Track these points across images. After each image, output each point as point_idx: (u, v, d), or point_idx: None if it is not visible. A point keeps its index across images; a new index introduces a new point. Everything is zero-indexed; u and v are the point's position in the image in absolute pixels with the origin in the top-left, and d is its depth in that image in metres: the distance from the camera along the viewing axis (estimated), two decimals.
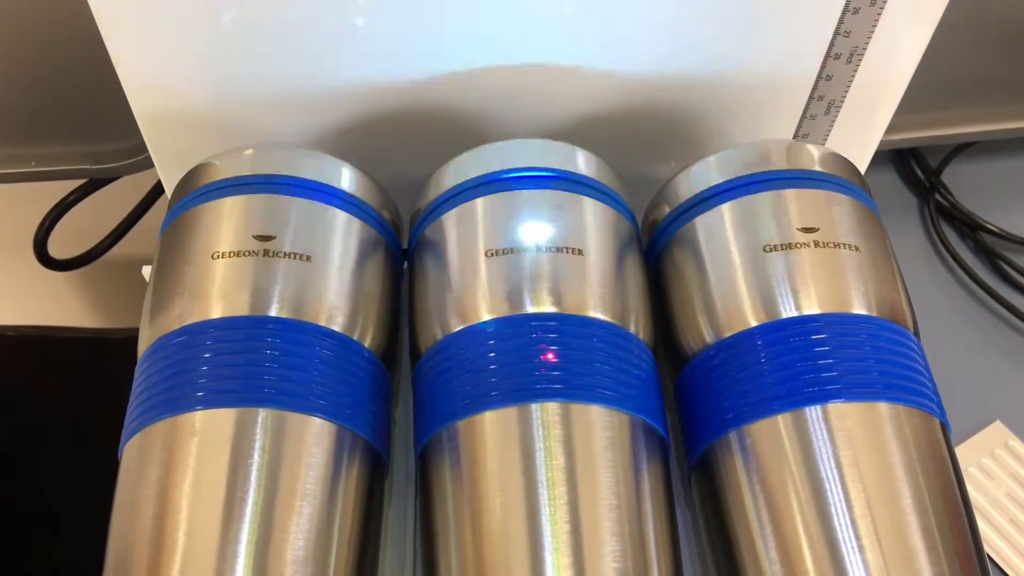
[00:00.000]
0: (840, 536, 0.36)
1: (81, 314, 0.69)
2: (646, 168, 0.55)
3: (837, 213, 0.43)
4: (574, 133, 0.52)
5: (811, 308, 0.40)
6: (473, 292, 0.41)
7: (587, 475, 0.37)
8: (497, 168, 0.44)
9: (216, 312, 0.40)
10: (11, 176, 0.60)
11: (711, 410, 0.41)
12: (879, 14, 0.46)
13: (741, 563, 0.38)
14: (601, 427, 0.38)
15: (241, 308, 0.40)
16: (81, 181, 0.62)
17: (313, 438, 0.38)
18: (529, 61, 0.49)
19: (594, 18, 0.47)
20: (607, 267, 0.42)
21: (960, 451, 0.58)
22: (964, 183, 0.71)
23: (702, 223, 0.44)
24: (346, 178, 0.45)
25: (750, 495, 0.38)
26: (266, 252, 0.41)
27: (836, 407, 0.38)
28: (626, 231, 0.45)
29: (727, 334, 0.41)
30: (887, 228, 0.45)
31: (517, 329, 0.40)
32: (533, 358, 0.39)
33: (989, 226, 0.69)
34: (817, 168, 0.45)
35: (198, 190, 0.44)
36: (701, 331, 0.42)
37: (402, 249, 0.48)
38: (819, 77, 0.49)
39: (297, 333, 0.40)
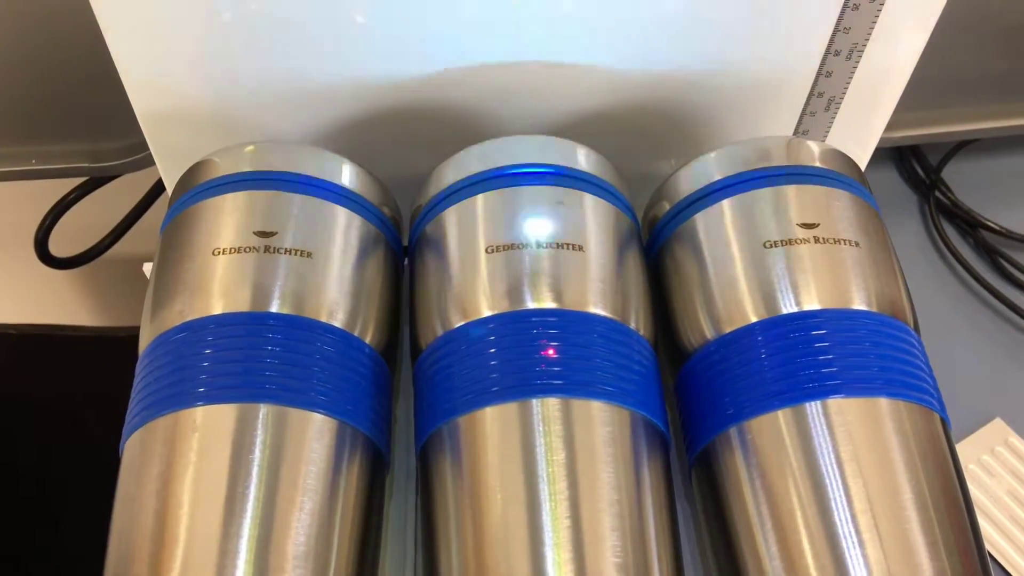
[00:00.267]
0: (840, 531, 0.36)
1: (82, 312, 0.69)
2: (647, 164, 0.55)
3: (837, 209, 0.43)
4: (575, 129, 0.52)
5: (811, 304, 0.40)
6: (474, 288, 0.41)
7: (587, 471, 0.37)
8: (498, 164, 0.44)
9: (217, 308, 0.40)
10: (12, 174, 0.60)
11: (711, 406, 0.41)
12: (879, 11, 0.46)
13: (741, 558, 0.38)
14: (601, 423, 0.38)
15: (242, 304, 0.40)
16: (82, 179, 0.62)
17: (314, 434, 0.38)
18: (530, 58, 0.49)
19: (594, 14, 0.47)
20: (607, 263, 0.42)
21: (960, 448, 0.59)
22: (964, 180, 0.71)
23: (702, 219, 0.44)
24: (347, 174, 0.45)
25: (750, 490, 0.38)
26: (267, 248, 0.41)
27: (836, 402, 0.38)
28: (626, 227, 0.45)
29: (727, 330, 0.41)
30: (887, 225, 0.45)
31: (518, 325, 0.40)
32: (533, 354, 0.39)
33: (989, 223, 0.69)
34: (817, 164, 0.45)
35: (199, 187, 0.44)
36: (701, 327, 0.42)
37: (403, 245, 0.48)
38: (819, 74, 0.49)
39: (298, 329, 0.40)
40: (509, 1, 0.46)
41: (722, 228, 0.43)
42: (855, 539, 0.36)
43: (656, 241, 0.47)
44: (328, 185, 0.44)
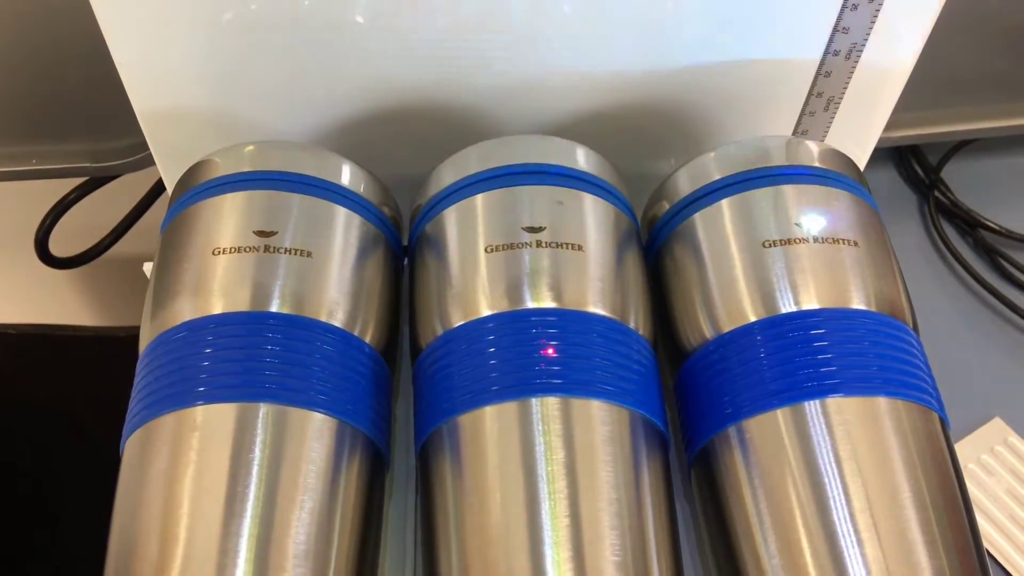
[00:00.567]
0: (839, 530, 0.36)
1: (82, 312, 0.69)
2: (646, 164, 0.55)
3: (836, 208, 0.43)
4: (574, 129, 0.52)
5: (810, 303, 0.40)
6: (473, 288, 0.41)
7: (587, 470, 0.37)
8: (497, 164, 0.44)
9: (217, 308, 0.40)
10: (12, 174, 0.60)
11: (710, 405, 0.41)
12: (878, 10, 0.46)
13: (740, 557, 0.38)
14: (601, 422, 0.38)
15: (242, 304, 0.40)
16: (82, 179, 0.62)
17: (314, 433, 0.38)
18: (529, 58, 0.49)
19: (594, 15, 0.47)
20: (607, 263, 0.42)
21: (960, 447, 0.59)
22: (964, 180, 0.72)
23: (701, 219, 0.44)
24: (347, 174, 0.45)
25: (749, 489, 0.38)
26: (267, 248, 0.41)
27: (835, 401, 0.38)
28: (626, 227, 0.45)
29: (726, 329, 0.41)
30: (887, 225, 0.45)
31: (517, 325, 0.40)
32: (533, 353, 0.39)
33: (989, 223, 0.69)
34: (816, 164, 0.45)
35: (198, 187, 0.44)
36: (700, 326, 0.42)
37: (402, 245, 0.48)
38: (818, 74, 0.49)
39: (298, 329, 0.40)
40: (508, 1, 0.46)
41: (721, 228, 0.43)
42: (854, 538, 0.36)
43: (655, 241, 0.47)
44: (328, 185, 0.44)
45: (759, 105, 0.53)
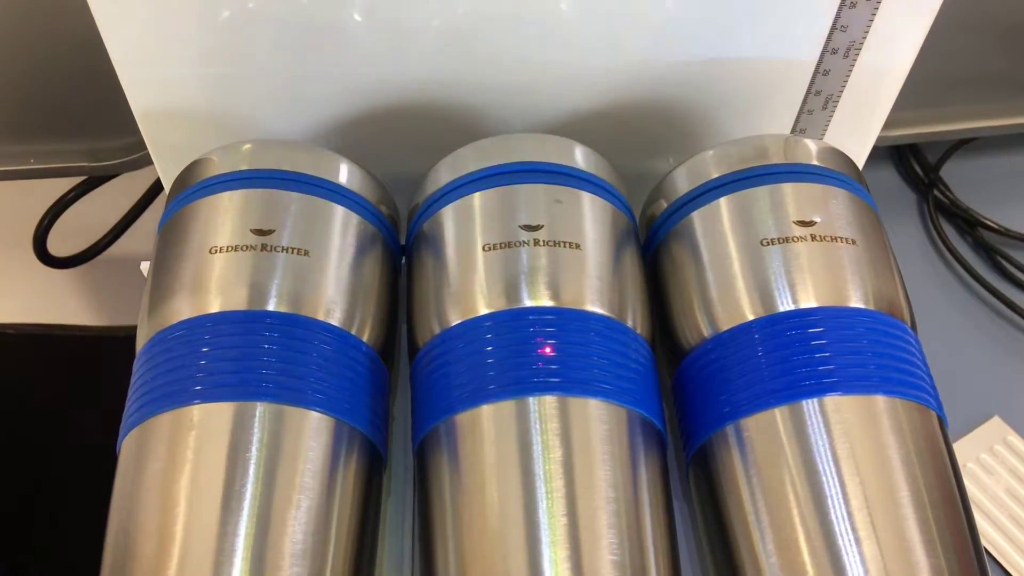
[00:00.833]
0: (837, 529, 0.36)
1: (81, 311, 0.69)
2: (644, 163, 0.55)
3: (834, 207, 0.43)
4: (572, 128, 0.52)
5: (808, 302, 0.40)
6: (471, 286, 0.41)
7: (584, 468, 0.37)
8: (494, 163, 0.44)
9: (214, 307, 0.40)
10: (10, 173, 0.60)
11: (708, 403, 0.41)
12: (876, 9, 0.46)
13: (738, 556, 0.38)
14: (598, 421, 0.38)
15: (239, 303, 0.40)
16: (80, 178, 0.62)
17: (311, 432, 0.38)
18: (526, 56, 0.49)
19: (591, 14, 0.47)
20: (605, 261, 0.42)
21: (959, 446, 0.59)
22: (963, 179, 0.72)
23: (699, 217, 0.44)
24: (344, 173, 0.45)
25: (747, 488, 0.38)
26: (264, 247, 0.41)
27: (833, 400, 0.38)
28: (624, 226, 0.45)
29: (724, 328, 0.41)
30: (886, 224, 0.45)
31: (515, 323, 0.40)
32: (531, 352, 0.39)
33: (988, 222, 0.69)
34: (814, 162, 0.45)
35: (196, 185, 0.44)
36: (699, 325, 0.42)
37: (400, 244, 0.48)
38: (816, 72, 0.49)
39: (295, 327, 0.40)
40: (505, 0, 0.46)
41: (719, 226, 0.43)
42: (851, 536, 0.36)
43: (653, 239, 0.47)
44: (325, 183, 0.44)
45: (757, 103, 0.53)
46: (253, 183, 0.43)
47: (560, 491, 0.36)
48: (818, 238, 0.42)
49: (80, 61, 0.55)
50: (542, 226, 0.42)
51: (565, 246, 0.42)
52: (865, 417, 0.38)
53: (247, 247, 0.41)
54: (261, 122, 0.51)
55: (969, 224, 0.70)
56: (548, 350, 0.39)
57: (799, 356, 0.39)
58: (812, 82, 0.50)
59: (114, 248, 0.65)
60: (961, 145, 0.73)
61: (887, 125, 0.55)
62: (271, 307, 0.40)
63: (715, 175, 0.45)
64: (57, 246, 0.64)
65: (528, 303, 0.40)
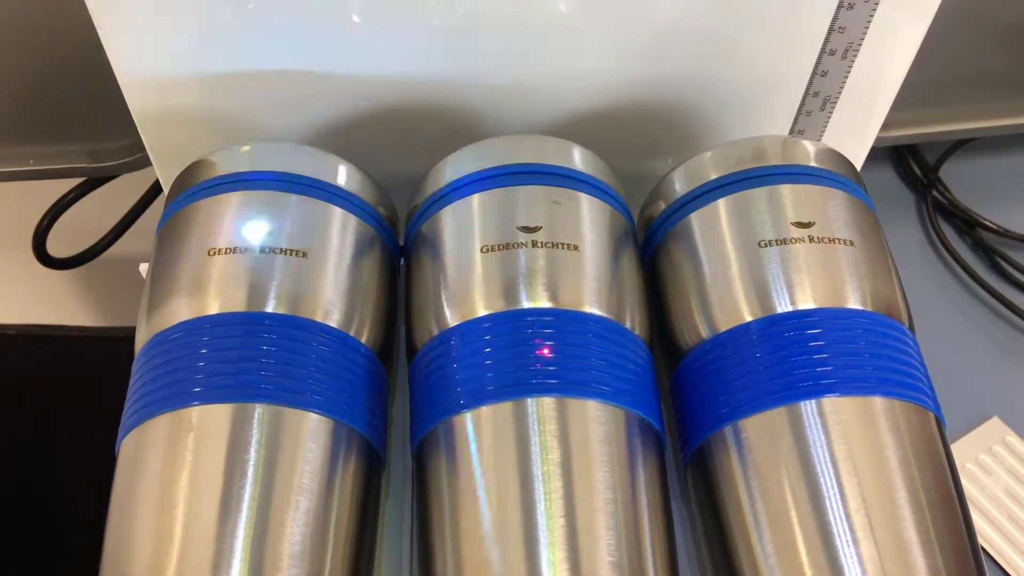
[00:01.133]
0: (835, 529, 0.36)
1: (80, 312, 0.69)
2: (642, 164, 0.55)
3: (832, 208, 0.43)
4: (570, 130, 0.52)
5: (806, 303, 0.40)
6: (469, 288, 0.41)
7: (583, 470, 0.37)
8: (493, 164, 0.44)
9: (213, 308, 0.40)
10: (10, 175, 0.60)
11: (706, 405, 0.41)
12: (874, 10, 0.46)
13: (736, 557, 0.38)
14: (597, 422, 0.38)
15: (238, 304, 0.40)
16: (79, 180, 0.62)
17: (309, 434, 0.38)
18: (525, 57, 0.49)
19: (590, 16, 0.47)
20: (603, 263, 0.42)
21: (957, 447, 0.59)
22: (962, 180, 0.71)
23: (698, 219, 0.44)
24: (343, 174, 0.45)
25: (745, 489, 0.38)
26: (262, 248, 0.41)
27: (831, 401, 0.38)
28: (622, 227, 0.45)
29: (723, 329, 0.41)
30: (884, 225, 0.45)
31: (513, 325, 0.40)
32: (529, 353, 0.39)
33: (987, 223, 0.69)
34: (812, 164, 0.45)
35: (194, 187, 0.44)
36: (697, 326, 0.42)
37: (399, 245, 0.48)
38: (814, 73, 0.49)
39: (293, 329, 0.40)
40: (506, 1, 0.46)
41: (717, 227, 0.43)
42: (849, 537, 0.36)
43: (652, 240, 0.47)
44: (324, 185, 0.44)
45: (755, 105, 0.53)
46: (252, 185, 0.43)
47: (558, 492, 0.36)
48: (816, 239, 0.42)
49: (79, 62, 0.55)
50: (540, 227, 0.42)
51: (563, 247, 0.42)
52: (863, 418, 0.38)
53: (246, 249, 0.41)
54: (260, 124, 0.51)
55: (968, 224, 0.69)
56: (546, 351, 0.39)
57: (797, 357, 0.39)
58: (810, 83, 0.50)
59: (113, 249, 0.65)
60: (960, 145, 0.73)
61: (885, 125, 0.55)
62: (270, 309, 0.40)
63: (713, 176, 0.45)
64: (56, 247, 0.64)
65: (526, 304, 0.40)
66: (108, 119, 0.58)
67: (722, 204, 0.44)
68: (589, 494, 0.37)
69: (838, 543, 0.36)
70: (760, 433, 0.39)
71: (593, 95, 0.52)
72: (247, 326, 0.39)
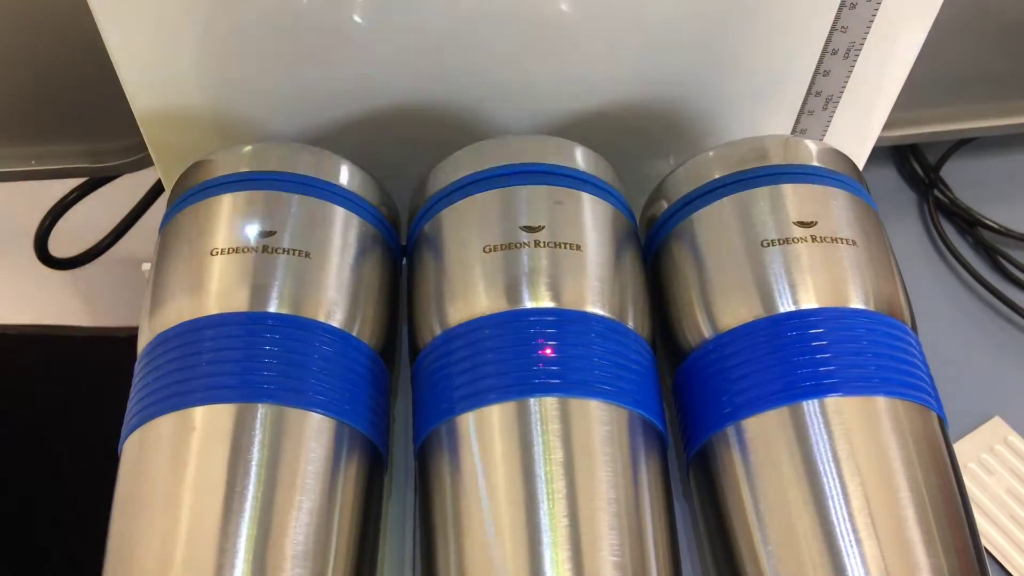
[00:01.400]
0: (837, 530, 0.36)
1: (82, 313, 0.69)
2: (645, 164, 0.55)
3: (835, 208, 0.43)
4: (572, 129, 0.52)
5: (809, 303, 0.40)
6: (471, 288, 0.41)
7: (585, 470, 0.37)
8: (495, 164, 0.44)
9: (215, 308, 0.40)
10: (11, 175, 0.60)
11: (709, 404, 0.41)
12: (876, 9, 0.46)
13: (739, 557, 0.38)
14: (599, 422, 0.38)
15: (240, 304, 0.40)
16: (81, 180, 0.62)
17: (312, 434, 0.38)
18: (527, 57, 0.49)
19: (592, 15, 0.47)
20: (605, 262, 0.42)
21: (959, 447, 0.59)
22: (963, 179, 0.72)
23: (700, 218, 0.44)
24: (345, 174, 0.45)
25: (748, 489, 0.38)
26: (265, 248, 0.41)
27: (834, 401, 0.38)
28: (624, 227, 0.45)
29: (725, 329, 0.41)
30: (886, 224, 0.45)
31: (515, 324, 0.40)
32: (531, 353, 0.39)
33: (988, 222, 0.69)
34: (815, 163, 0.45)
35: (197, 187, 0.44)
36: (699, 326, 0.42)
37: (401, 245, 0.48)
38: (816, 73, 0.49)
39: (296, 329, 0.40)
40: (507, 1, 0.46)
41: (720, 227, 0.43)
42: (852, 537, 0.36)
43: (654, 240, 0.47)
44: (326, 185, 0.44)
45: (757, 104, 0.53)
46: (254, 185, 0.43)
47: (561, 492, 0.36)
48: (818, 239, 0.42)
49: (81, 62, 0.55)
50: (543, 227, 0.42)
51: (566, 247, 0.42)
52: (866, 418, 0.38)
53: (248, 249, 0.41)
54: (262, 123, 0.51)
55: (969, 224, 0.70)
56: (549, 351, 0.39)
57: (799, 357, 0.39)
58: (812, 83, 0.50)
59: (115, 249, 0.65)
60: (961, 145, 0.73)
61: (887, 125, 0.55)
62: (272, 309, 0.40)
63: (716, 176, 0.45)
64: (58, 247, 0.64)
65: (529, 304, 0.40)
66: (110, 119, 0.58)
67: (724, 204, 0.44)
68: (592, 494, 0.37)
69: (841, 543, 0.36)
70: (763, 433, 0.39)
71: (595, 94, 0.52)
72: (250, 326, 0.39)
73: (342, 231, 0.43)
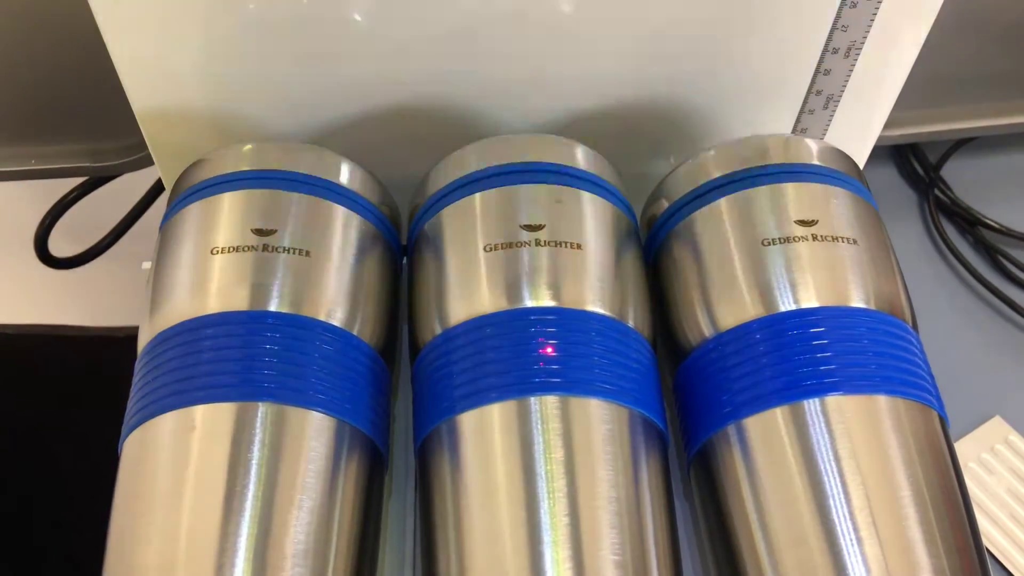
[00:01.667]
0: (838, 528, 0.36)
1: (82, 312, 0.69)
2: (645, 163, 0.55)
3: (835, 207, 0.43)
4: (572, 129, 0.52)
5: (809, 301, 0.40)
6: (472, 286, 0.41)
7: (586, 468, 0.37)
8: (496, 163, 0.44)
9: (215, 307, 0.40)
10: (12, 174, 0.60)
11: (709, 403, 0.41)
12: (877, 8, 0.46)
13: (739, 555, 0.38)
14: (600, 421, 0.38)
15: (240, 303, 0.40)
16: (82, 179, 0.62)
17: (312, 432, 0.38)
18: (527, 56, 0.49)
19: (592, 15, 0.47)
20: (606, 261, 0.42)
21: (960, 446, 0.59)
22: (963, 178, 0.72)
23: (701, 217, 0.44)
24: (345, 173, 0.45)
25: (748, 488, 0.38)
26: (265, 247, 0.41)
27: (834, 400, 0.38)
28: (625, 226, 0.45)
29: (726, 327, 0.41)
30: (887, 223, 0.45)
31: (516, 323, 0.40)
32: (532, 352, 0.39)
33: (988, 221, 0.69)
34: (815, 162, 0.45)
35: (197, 185, 0.44)
36: (700, 325, 0.42)
37: (401, 244, 0.48)
38: (817, 72, 0.49)
39: (296, 328, 0.40)
40: (508, 1, 0.46)
41: (720, 226, 0.43)
42: (853, 536, 0.36)
43: (655, 239, 0.47)
44: (327, 184, 0.44)
45: (758, 103, 0.53)
46: (254, 183, 0.43)
47: (562, 491, 0.36)
48: (819, 238, 0.42)
49: (82, 62, 0.55)
50: (543, 226, 0.42)
51: (566, 246, 0.42)
52: (866, 417, 0.38)
53: (248, 247, 0.41)
54: (262, 122, 0.51)
55: (969, 223, 0.70)
56: (549, 350, 0.39)
57: (800, 356, 0.39)
58: (813, 82, 0.50)
59: (115, 248, 0.65)
60: (961, 144, 0.73)
61: (888, 124, 0.55)
62: (272, 307, 0.40)
63: (716, 175, 0.45)
64: (58, 246, 0.64)
65: (529, 303, 0.40)
66: (110, 118, 0.58)
67: (725, 203, 0.44)
68: (592, 493, 0.37)
69: (842, 542, 0.36)
70: (763, 432, 0.39)
71: (595, 94, 0.52)
72: (250, 325, 0.39)
73: (342, 230, 0.43)
